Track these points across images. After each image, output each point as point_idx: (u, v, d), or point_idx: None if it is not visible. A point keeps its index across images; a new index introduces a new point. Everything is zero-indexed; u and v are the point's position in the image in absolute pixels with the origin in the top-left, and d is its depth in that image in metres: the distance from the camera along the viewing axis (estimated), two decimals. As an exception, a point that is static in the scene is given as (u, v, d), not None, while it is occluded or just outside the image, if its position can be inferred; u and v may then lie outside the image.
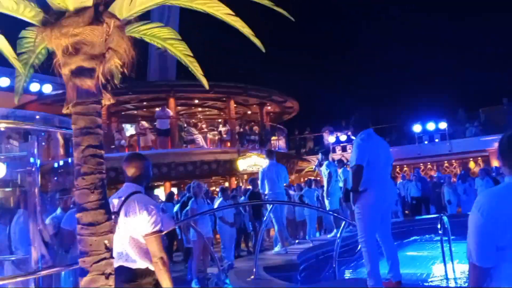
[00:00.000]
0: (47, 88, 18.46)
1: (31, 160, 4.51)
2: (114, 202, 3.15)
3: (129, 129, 20.65)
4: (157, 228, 3.01)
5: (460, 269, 6.75)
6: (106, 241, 2.71)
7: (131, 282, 3.03)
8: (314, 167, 10.98)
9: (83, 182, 2.73)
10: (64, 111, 2.83)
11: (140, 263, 3.03)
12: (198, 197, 8.57)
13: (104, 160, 2.80)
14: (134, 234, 3.04)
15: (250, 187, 11.43)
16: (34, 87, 18.09)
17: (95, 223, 2.69)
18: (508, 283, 2.08)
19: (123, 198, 3.13)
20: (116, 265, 3.05)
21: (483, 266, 2.13)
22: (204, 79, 3.70)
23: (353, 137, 5.00)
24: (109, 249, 2.72)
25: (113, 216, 3.04)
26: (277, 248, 8.19)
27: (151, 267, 3.03)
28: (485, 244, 2.09)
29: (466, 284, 6.05)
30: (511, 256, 2.05)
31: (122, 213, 3.08)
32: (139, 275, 3.03)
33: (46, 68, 3.47)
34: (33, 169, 4.72)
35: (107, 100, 2.89)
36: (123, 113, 21.95)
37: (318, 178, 19.35)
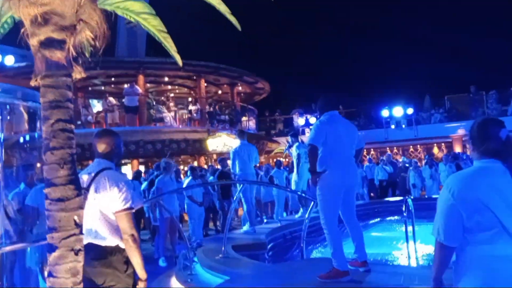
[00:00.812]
0: (10, 60, 17.74)
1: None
2: (84, 178, 3.08)
3: (96, 105, 20.17)
4: (128, 205, 2.97)
5: (422, 249, 7.01)
6: (75, 217, 2.67)
7: (101, 260, 2.98)
8: (284, 149, 11.00)
9: (52, 157, 2.66)
10: (32, 83, 2.73)
11: (110, 240, 2.99)
12: (167, 175, 8.51)
13: (74, 134, 2.73)
14: (104, 210, 2.99)
15: (219, 166, 11.43)
16: (-4, 58, 17.38)
17: (64, 199, 2.63)
18: (470, 265, 2.17)
19: (93, 174, 3.05)
20: (85, 242, 3.00)
21: (449, 245, 2.22)
22: (177, 55, 3.64)
23: (313, 119, 5.02)
24: (78, 225, 2.68)
25: (82, 192, 2.99)
26: (245, 227, 8.26)
27: (121, 245, 2.99)
28: (453, 224, 2.18)
29: (427, 263, 6.30)
30: (475, 239, 2.15)
31: (92, 189, 3.01)
32: (109, 252, 2.99)
33: (9, 38, 3.34)
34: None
35: (78, 73, 2.80)
36: (90, 88, 21.40)
37: (287, 159, 19.55)
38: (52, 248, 2.64)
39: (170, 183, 8.53)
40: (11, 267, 4.35)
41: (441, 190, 2.30)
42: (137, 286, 3.00)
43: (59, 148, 2.66)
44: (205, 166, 17.59)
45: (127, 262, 2.99)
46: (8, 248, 3.67)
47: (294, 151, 9.72)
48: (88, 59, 3.10)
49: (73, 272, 2.63)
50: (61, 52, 2.67)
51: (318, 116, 5.12)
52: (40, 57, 2.69)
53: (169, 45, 3.50)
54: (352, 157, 4.76)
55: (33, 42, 2.71)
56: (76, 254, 2.66)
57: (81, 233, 2.72)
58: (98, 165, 3.14)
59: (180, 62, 3.72)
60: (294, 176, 9.68)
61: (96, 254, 2.99)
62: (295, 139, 9.99)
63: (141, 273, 2.98)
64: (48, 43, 2.66)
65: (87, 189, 3.02)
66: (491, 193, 2.11)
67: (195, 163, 19.66)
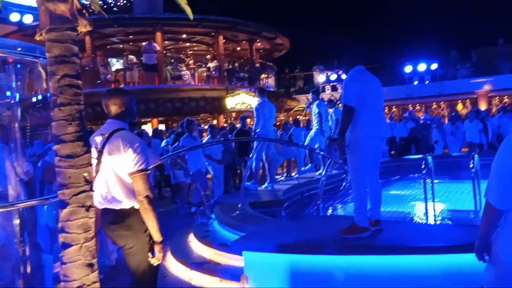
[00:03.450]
0: (28, 19, 17.70)
1: (8, 93, 4.34)
2: (97, 139, 3.00)
3: (115, 64, 20.16)
4: (143, 166, 2.89)
5: (440, 208, 6.94)
6: (85, 174, 2.66)
7: (119, 223, 2.97)
8: (305, 107, 10.84)
9: (60, 113, 2.63)
10: (37, 37, 2.66)
11: (126, 203, 2.94)
12: (191, 133, 8.57)
13: (81, 90, 2.67)
14: (118, 172, 2.93)
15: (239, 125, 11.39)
16: (14, 17, 17.34)
17: (73, 155, 2.62)
18: None
19: (106, 135, 2.97)
20: (101, 207, 3.01)
21: (499, 207, 2.17)
22: (188, 8, 3.51)
23: (343, 76, 4.85)
24: (88, 182, 2.67)
25: (97, 155, 2.94)
26: (265, 185, 8.30)
27: (137, 206, 2.94)
28: (506, 185, 2.10)
29: (443, 222, 6.23)
30: None
31: (105, 151, 2.94)
32: (126, 215, 2.95)
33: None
34: (12, 102, 4.55)
35: (83, 27, 2.71)
36: (108, 47, 21.35)
37: (307, 118, 19.37)
38: (63, 204, 2.65)
39: (193, 141, 8.58)
40: (32, 224, 4.45)
41: (498, 150, 2.19)
42: (154, 248, 2.97)
43: (66, 104, 2.62)
44: (225, 124, 17.57)
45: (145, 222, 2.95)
46: (22, 205, 3.73)
47: (314, 109, 9.57)
48: (102, 15, 3.00)
49: (85, 227, 2.65)
50: (65, 4, 2.58)
51: (343, 72, 4.95)
52: (44, 9, 2.60)
53: (178, -4, 3.36)
54: (382, 111, 4.64)
55: (36, -6, 2.62)
56: (87, 210, 2.66)
57: (91, 189, 2.71)
58: (111, 126, 3.04)
59: (191, 15, 3.59)
60: (311, 133, 9.58)
61: (114, 218, 2.98)
62: (316, 97, 9.81)
63: (157, 235, 2.93)
64: (51, -5, 2.57)
65: (101, 151, 2.96)
66: None
67: (214, 122, 19.68)
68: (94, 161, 2.93)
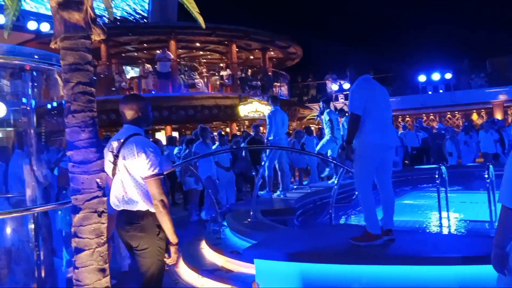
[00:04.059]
0: (45, 27, 18.03)
1: (24, 100, 4.42)
2: (113, 144, 3.08)
3: (130, 72, 20.38)
4: (156, 170, 2.95)
5: (454, 218, 6.85)
6: (98, 180, 2.70)
7: (133, 224, 3.01)
8: (316, 116, 10.83)
9: (74, 120, 2.67)
10: (52, 45, 2.72)
11: (141, 205, 3.00)
12: (205, 140, 8.64)
13: (94, 98, 2.72)
14: (134, 175, 2.99)
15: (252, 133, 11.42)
16: (32, 25, 17.67)
17: (86, 161, 2.66)
18: None
19: (122, 140, 3.04)
20: (119, 209, 3.06)
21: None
22: (200, 17, 3.55)
23: (346, 85, 4.83)
24: (101, 188, 2.71)
25: (113, 159, 2.99)
26: (277, 193, 8.28)
27: (152, 209, 3.00)
28: None
29: (457, 232, 6.15)
30: None
31: (121, 155, 3.01)
32: (141, 216, 3.01)
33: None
34: (28, 108, 4.64)
35: (97, 35, 2.76)
36: (123, 54, 21.59)
37: (320, 126, 19.32)
38: (76, 209, 2.68)
39: (206, 149, 8.63)
40: (46, 229, 4.51)
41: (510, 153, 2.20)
42: (169, 249, 3.05)
43: (80, 111, 2.67)
44: (238, 133, 17.61)
45: (159, 225, 3.00)
46: (38, 209, 3.78)
47: (325, 117, 9.56)
48: (116, 24, 3.04)
49: (97, 232, 2.68)
50: (79, 13, 2.63)
51: (349, 81, 4.94)
52: (58, 18, 2.66)
53: (191, 5, 3.41)
54: (390, 119, 4.62)
55: (52, 3, 2.68)
56: (100, 215, 2.70)
57: (103, 195, 2.75)
58: (127, 131, 3.11)
59: (203, 24, 3.63)
60: (323, 140, 9.57)
61: (129, 219, 3.03)
62: (327, 106, 9.80)
63: (172, 237, 3.01)
64: (66, 4, 2.62)
65: (117, 155, 3.02)
66: None
67: (227, 130, 19.74)
68: (110, 165, 3.01)
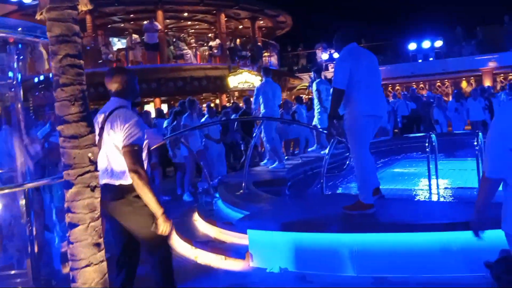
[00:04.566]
0: (28, -3, 17.49)
1: (10, 74, 4.31)
2: (99, 118, 3.06)
3: (117, 43, 19.99)
4: (131, 140, 2.89)
5: (444, 186, 6.95)
6: (90, 154, 2.66)
7: (119, 199, 2.99)
8: (308, 85, 10.78)
9: (63, 93, 2.60)
10: (38, 16, 2.63)
11: (125, 178, 2.97)
12: (193, 113, 8.56)
13: (83, 70, 2.65)
14: (118, 148, 2.97)
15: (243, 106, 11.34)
16: (14, -4, 17.14)
17: (77, 136, 2.60)
18: None
19: (107, 113, 3.02)
20: (102, 182, 3.00)
21: (490, 176, 2.17)
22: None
23: (336, 55, 4.77)
24: (93, 162, 2.67)
25: (98, 131, 2.96)
26: (274, 165, 8.25)
27: None
28: (496, 154, 2.11)
29: (446, 199, 6.25)
30: None
31: (105, 128, 2.98)
32: (126, 190, 2.97)
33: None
34: (14, 82, 4.54)
35: (84, 5, 2.67)
36: (109, 26, 21.14)
37: (310, 96, 19.27)
38: (69, 184, 2.65)
39: (194, 121, 8.56)
40: (38, 204, 4.49)
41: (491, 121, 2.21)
42: (156, 221, 2.95)
43: (69, 84, 2.60)
44: (228, 104, 17.51)
45: None
46: (30, 185, 3.75)
47: (314, 87, 9.50)
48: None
49: (91, 207, 2.65)
50: (64, -18, 2.53)
51: (335, 50, 4.83)
52: (43, -12, 2.56)
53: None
54: (380, 87, 4.58)
55: (36, -28, 2.57)
56: (93, 190, 2.66)
57: (96, 170, 2.71)
58: (112, 104, 3.09)
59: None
60: (316, 113, 9.53)
61: (114, 195, 2.99)
62: (317, 75, 9.72)
63: (155, 208, 2.90)
64: (50, -27, 2.52)
65: (102, 128, 2.99)
66: None
67: (217, 101, 19.62)
68: (96, 138, 2.94)
